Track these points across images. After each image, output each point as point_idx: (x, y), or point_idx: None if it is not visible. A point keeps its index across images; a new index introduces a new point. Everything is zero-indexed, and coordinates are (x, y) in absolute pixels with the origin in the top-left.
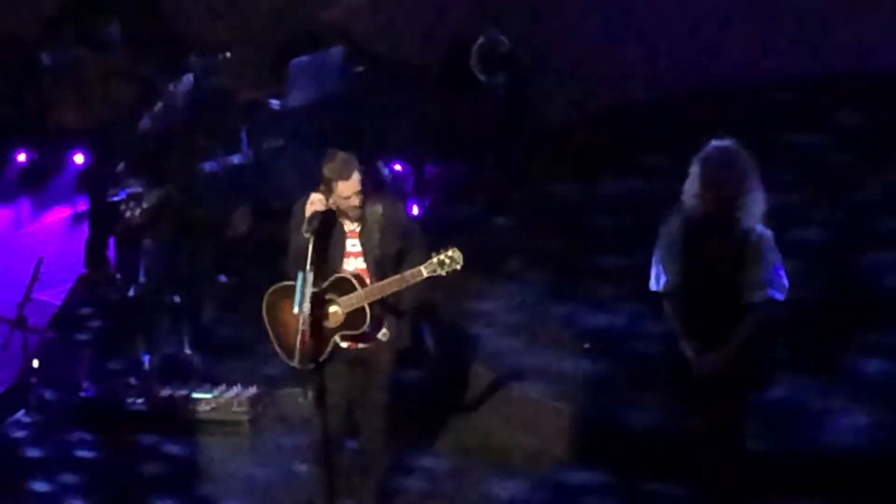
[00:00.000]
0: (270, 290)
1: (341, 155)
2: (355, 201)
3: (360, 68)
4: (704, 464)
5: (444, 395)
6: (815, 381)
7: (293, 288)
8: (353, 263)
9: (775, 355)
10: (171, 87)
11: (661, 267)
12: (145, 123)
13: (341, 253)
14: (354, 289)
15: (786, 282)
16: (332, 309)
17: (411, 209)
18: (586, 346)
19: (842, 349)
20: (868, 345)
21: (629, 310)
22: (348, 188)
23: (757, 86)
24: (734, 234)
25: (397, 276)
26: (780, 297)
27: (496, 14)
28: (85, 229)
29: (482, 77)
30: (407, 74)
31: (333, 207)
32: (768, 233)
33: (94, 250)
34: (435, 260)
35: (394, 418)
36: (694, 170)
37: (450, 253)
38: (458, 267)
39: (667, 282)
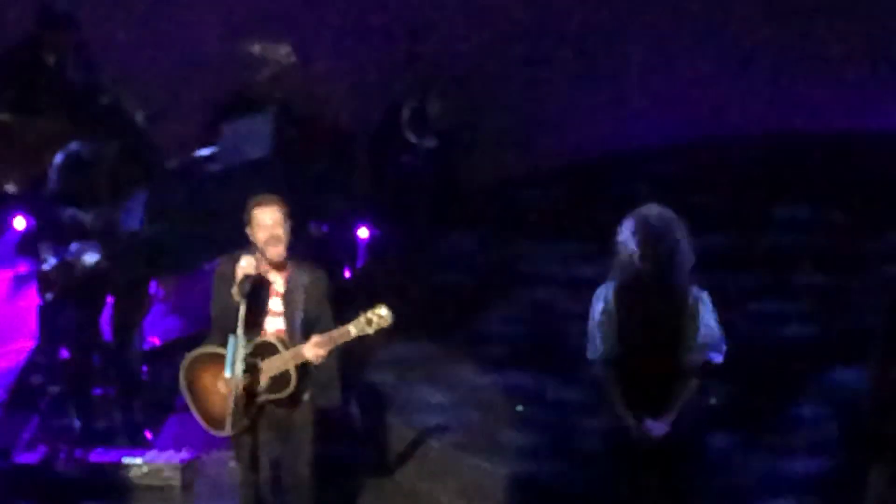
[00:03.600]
0: (187, 360)
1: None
2: (273, 231)
3: (291, 131)
4: None
5: (372, 460)
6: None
7: (211, 355)
8: (274, 323)
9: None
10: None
11: (598, 335)
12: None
13: (264, 312)
14: (278, 351)
15: (723, 342)
16: (258, 372)
17: (343, 272)
18: (519, 408)
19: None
20: None
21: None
22: (265, 214)
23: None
24: (671, 298)
25: (325, 337)
26: (718, 358)
27: (427, 77)
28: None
29: (413, 139)
30: (338, 137)
31: (257, 265)
32: (704, 294)
33: None
34: (363, 318)
35: (322, 483)
36: (625, 237)
37: (378, 311)
38: (387, 325)
39: (604, 350)
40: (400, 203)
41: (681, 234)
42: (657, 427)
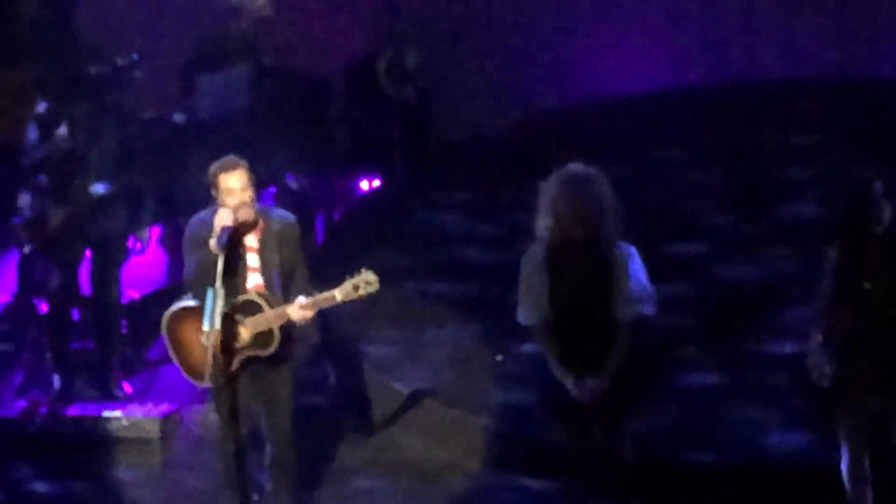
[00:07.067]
0: (170, 312)
1: (227, 156)
2: (242, 197)
3: (267, 83)
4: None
5: (353, 414)
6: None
7: (194, 308)
8: (253, 279)
9: (651, 373)
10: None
11: (528, 299)
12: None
13: (244, 269)
14: (262, 309)
15: (654, 294)
16: (240, 328)
17: (320, 224)
18: (499, 357)
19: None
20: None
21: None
22: (231, 179)
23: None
24: (598, 255)
25: (310, 300)
26: (650, 311)
27: (404, 29)
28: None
29: (389, 91)
30: (314, 89)
31: (232, 220)
32: (631, 248)
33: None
34: (349, 284)
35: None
36: (548, 197)
37: (365, 277)
38: (374, 290)
39: (536, 312)
40: (377, 155)
41: (606, 189)
42: (591, 385)
